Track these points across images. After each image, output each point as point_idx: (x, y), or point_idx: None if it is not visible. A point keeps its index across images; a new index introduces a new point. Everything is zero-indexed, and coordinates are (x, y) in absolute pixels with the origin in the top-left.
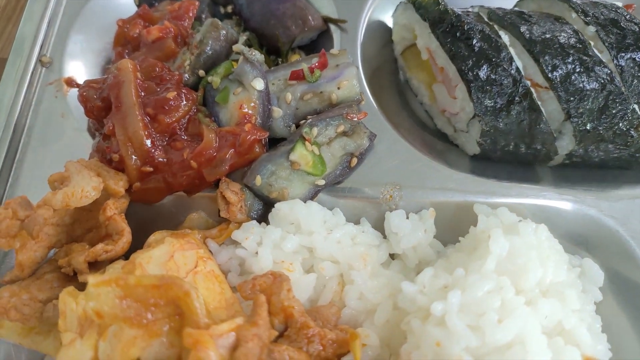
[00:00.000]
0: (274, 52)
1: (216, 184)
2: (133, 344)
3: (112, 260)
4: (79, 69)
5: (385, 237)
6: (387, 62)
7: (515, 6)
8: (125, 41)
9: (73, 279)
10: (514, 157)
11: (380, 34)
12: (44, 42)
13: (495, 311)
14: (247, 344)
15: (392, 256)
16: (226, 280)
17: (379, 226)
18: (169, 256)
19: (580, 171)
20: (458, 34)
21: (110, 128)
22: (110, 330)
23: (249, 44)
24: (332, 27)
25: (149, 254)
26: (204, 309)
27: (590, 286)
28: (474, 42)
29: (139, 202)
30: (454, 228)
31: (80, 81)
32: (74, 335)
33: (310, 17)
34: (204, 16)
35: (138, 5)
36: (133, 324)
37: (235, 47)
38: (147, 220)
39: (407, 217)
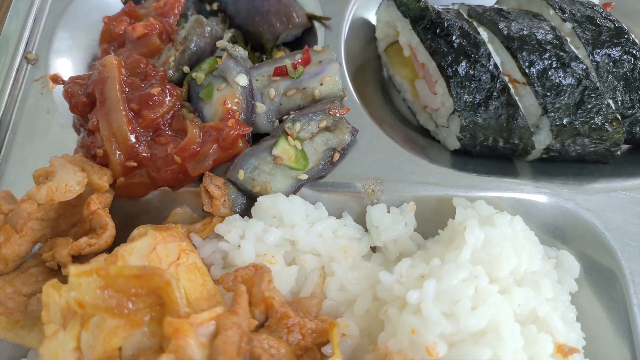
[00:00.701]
0: (258, 49)
1: (200, 179)
2: (115, 333)
3: (96, 254)
4: (65, 65)
5: (366, 230)
6: (370, 59)
7: (495, 3)
8: (111, 38)
9: (57, 273)
10: (492, 151)
11: (364, 31)
12: (29, 39)
13: (469, 299)
14: (227, 332)
15: (374, 249)
16: (209, 273)
17: (361, 220)
18: (151, 248)
19: (557, 165)
20: (438, 31)
21: (95, 123)
22: (93, 321)
23: (234, 41)
24: (317, 24)
25: (131, 246)
26: (184, 299)
27: (566, 277)
28: (453, 39)
29: (124, 197)
30: (435, 221)
31: (67, 78)
32: (57, 326)
33: (294, 14)
34: (189, 13)
35: (124, 3)
36: (115, 314)
37: (219, 44)
38: (132, 215)
39: (388, 211)
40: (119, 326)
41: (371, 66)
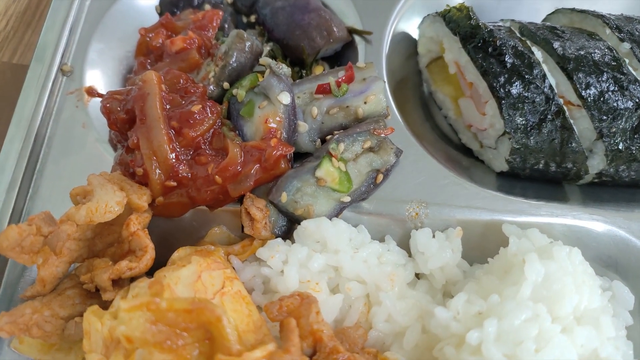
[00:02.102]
0: (297, 63)
1: (239, 199)
2: None
3: (135, 277)
4: (100, 77)
5: (410, 255)
6: (411, 74)
7: (545, 20)
8: (148, 51)
9: (95, 296)
10: (543, 175)
11: (405, 45)
12: (65, 50)
13: (532, 340)
14: None
15: (417, 276)
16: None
17: (404, 244)
18: (196, 276)
19: (608, 190)
20: (490, 50)
21: (135, 141)
22: (138, 354)
23: (272, 55)
24: (357, 38)
25: (177, 275)
26: (235, 335)
27: (620, 310)
28: (506, 59)
29: (161, 216)
30: (480, 247)
31: (101, 90)
32: (100, 356)
33: (335, 28)
34: (226, 26)
35: (160, 14)
36: (163, 349)
37: (262, 60)
38: (167, 234)
39: (434, 236)
40: None
41: (411, 82)
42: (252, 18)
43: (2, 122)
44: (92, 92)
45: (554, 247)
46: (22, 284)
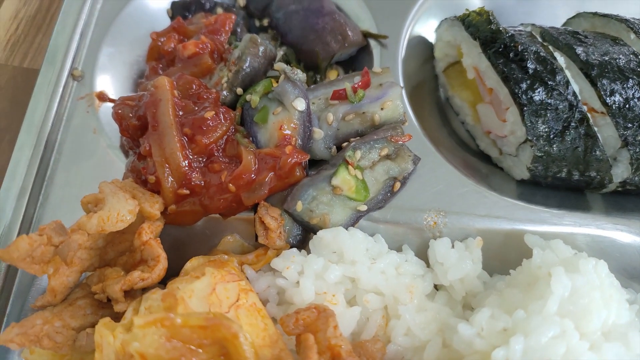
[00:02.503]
0: (311, 68)
1: (253, 207)
2: None
3: (147, 288)
4: (111, 82)
5: (428, 266)
6: (427, 79)
7: (565, 24)
8: (159, 55)
9: (106, 306)
10: (565, 183)
11: (421, 49)
12: (75, 55)
13: (560, 358)
14: None
15: (436, 287)
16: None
17: (421, 253)
18: (211, 289)
19: (632, 199)
20: (511, 55)
21: (147, 148)
22: None
23: (286, 60)
24: (372, 42)
25: (190, 288)
26: (252, 352)
27: None
28: (528, 64)
29: (173, 224)
30: (501, 257)
31: (112, 95)
32: None
33: (350, 32)
34: (239, 30)
35: (171, 18)
36: None
37: (276, 66)
38: (179, 242)
39: (453, 246)
40: None
41: (428, 86)
42: (265, 22)
43: (13, 126)
44: (103, 97)
45: (580, 260)
46: (32, 292)
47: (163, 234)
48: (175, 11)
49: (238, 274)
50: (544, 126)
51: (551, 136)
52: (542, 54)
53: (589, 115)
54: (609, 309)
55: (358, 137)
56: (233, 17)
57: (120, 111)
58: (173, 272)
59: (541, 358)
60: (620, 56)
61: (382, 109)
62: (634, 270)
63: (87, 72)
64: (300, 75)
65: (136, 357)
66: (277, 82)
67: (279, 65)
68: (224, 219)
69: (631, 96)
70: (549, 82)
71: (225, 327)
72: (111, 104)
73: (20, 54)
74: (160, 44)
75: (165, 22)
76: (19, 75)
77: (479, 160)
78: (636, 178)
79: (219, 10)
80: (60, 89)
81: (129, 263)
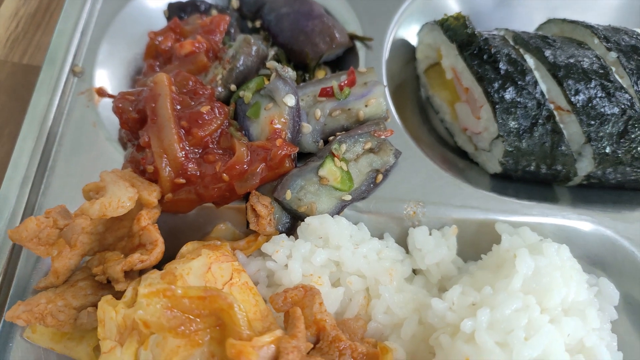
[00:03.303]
0: (300, 67)
1: (244, 197)
2: (176, 353)
3: (142, 269)
4: (109, 78)
5: (407, 252)
6: (408, 79)
7: (537, 29)
8: (157, 53)
9: (106, 287)
10: (534, 176)
11: (403, 51)
12: (76, 52)
13: (522, 329)
14: (288, 356)
15: (414, 271)
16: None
17: (401, 241)
18: (206, 268)
19: (596, 192)
20: (485, 57)
21: (146, 140)
22: (152, 339)
23: (277, 59)
24: (358, 44)
25: (188, 266)
26: (246, 320)
27: (606, 305)
28: (500, 65)
29: (169, 212)
30: (474, 245)
31: (110, 91)
32: (114, 343)
33: (337, 35)
34: (232, 30)
35: (168, 18)
36: (177, 334)
37: (268, 64)
38: (175, 230)
39: (430, 234)
40: (180, 346)
41: (409, 86)
42: (257, 23)
43: (13, 120)
44: (102, 92)
45: (543, 244)
46: (34, 275)
47: (159, 222)
48: (172, 12)
49: (231, 256)
50: (514, 123)
51: (521, 132)
52: (513, 56)
53: (555, 113)
54: (569, 287)
55: (344, 132)
56: (227, 18)
57: (120, 105)
58: (167, 258)
59: (505, 328)
60: (585, 59)
61: (366, 105)
62: (595, 257)
63: (87, 69)
64: (290, 73)
65: (140, 325)
66: (269, 79)
67: (271, 64)
68: (217, 207)
69: (594, 95)
70: (519, 82)
71: (222, 298)
72: (110, 99)
73: (20, 50)
74: (157, 42)
75: (161, 22)
76: (19, 71)
77: (456, 156)
78: (599, 172)
79: (214, 12)
80: (62, 84)
81: (127, 247)
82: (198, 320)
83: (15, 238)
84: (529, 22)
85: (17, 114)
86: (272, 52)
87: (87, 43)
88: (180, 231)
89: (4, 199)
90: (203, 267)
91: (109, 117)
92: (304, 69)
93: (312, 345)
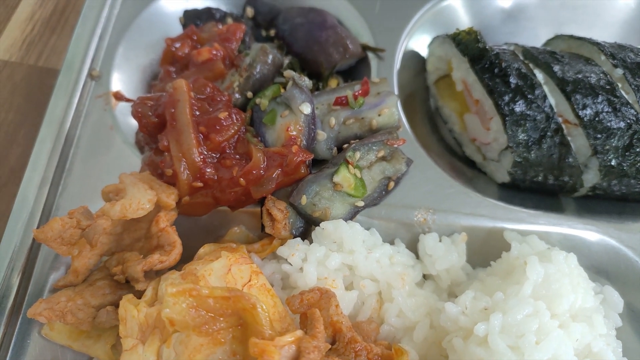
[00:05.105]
0: (314, 76)
1: (259, 201)
2: (199, 351)
3: (159, 270)
4: (126, 83)
5: (418, 257)
6: (418, 90)
7: (545, 44)
8: (173, 60)
9: (124, 287)
10: (541, 187)
11: (414, 63)
12: (94, 57)
13: (533, 333)
14: (309, 355)
15: (424, 276)
16: None
17: (412, 246)
18: (227, 269)
19: (601, 203)
20: (496, 71)
21: (165, 144)
22: (175, 337)
23: (291, 68)
24: (370, 55)
25: (209, 267)
26: (268, 320)
27: (611, 312)
28: (510, 79)
29: (185, 214)
30: (483, 252)
31: (127, 95)
32: (135, 341)
33: (351, 45)
34: (247, 38)
35: (183, 25)
36: (201, 332)
37: (286, 73)
38: (189, 232)
39: (440, 240)
40: (203, 344)
41: (419, 96)
42: (272, 32)
43: (28, 121)
44: (119, 96)
45: (552, 252)
46: (51, 274)
47: (174, 224)
48: (188, 19)
49: (248, 258)
50: (523, 135)
51: (529, 144)
52: (523, 70)
53: (563, 126)
54: (577, 294)
55: (357, 140)
56: (243, 27)
57: (140, 109)
58: (182, 260)
59: (517, 332)
60: (592, 75)
61: (379, 115)
62: (600, 265)
63: (105, 73)
64: (307, 82)
65: (166, 323)
66: (285, 87)
67: (289, 73)
68: (232, 211)
69: (600, 110)
70: (529, 96)
71: (245, 299)
72: (126, 103)
73: (36, 53)
74: (174, 49)
75: (177, 28)
76: (34, 74)
77: (464, 165)
78: (604, 183)
79: (229, 20)
80: (80, 88)
81: (145, 248)
82: (221, 319)
83: (41, 237)
84: (534, 36)
85: (33, 115)
86: (286, 61)
87: (105, 47)
88: (194, 234)
89: (23, 199)
90: (223, 269)
91: (126, 121)
92: (317, 77)
93: (329, 346)
